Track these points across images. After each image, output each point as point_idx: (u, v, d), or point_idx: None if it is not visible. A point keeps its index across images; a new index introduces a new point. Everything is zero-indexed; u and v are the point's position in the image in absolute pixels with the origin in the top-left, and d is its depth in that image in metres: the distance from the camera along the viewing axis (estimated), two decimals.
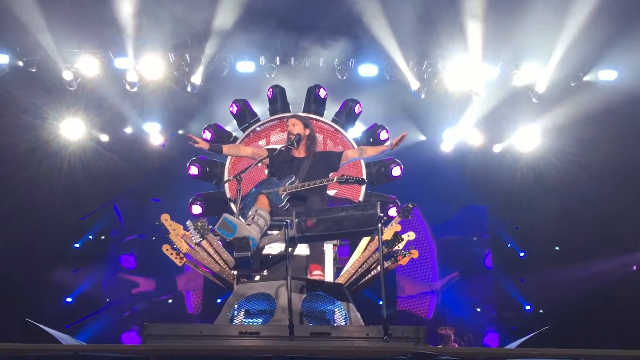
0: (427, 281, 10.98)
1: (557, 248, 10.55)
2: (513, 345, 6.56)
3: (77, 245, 10.57)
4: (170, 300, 10.53)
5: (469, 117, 10.07)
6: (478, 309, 10.67)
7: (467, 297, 10.77)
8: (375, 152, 5.96)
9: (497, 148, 10.57)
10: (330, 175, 5.79)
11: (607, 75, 9.42)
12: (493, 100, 9.80)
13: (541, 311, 10.42)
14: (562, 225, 9.96)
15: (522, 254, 11.03)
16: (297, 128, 5.95)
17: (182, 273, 10.39)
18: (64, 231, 10.02)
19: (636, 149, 9.12)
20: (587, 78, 9.55)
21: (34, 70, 9.25)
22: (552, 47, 8.98)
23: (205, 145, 5.97)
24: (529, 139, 10.15)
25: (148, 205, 10.84)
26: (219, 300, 9.23)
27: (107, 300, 10.46)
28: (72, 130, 9.85)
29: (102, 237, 10.75)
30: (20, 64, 9.21)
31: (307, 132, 6.02)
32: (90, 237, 10.70)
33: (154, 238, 10.19)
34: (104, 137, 10.27)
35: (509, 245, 11.10)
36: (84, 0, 8.26)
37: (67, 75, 9.26)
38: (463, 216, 11.33)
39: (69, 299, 10.15)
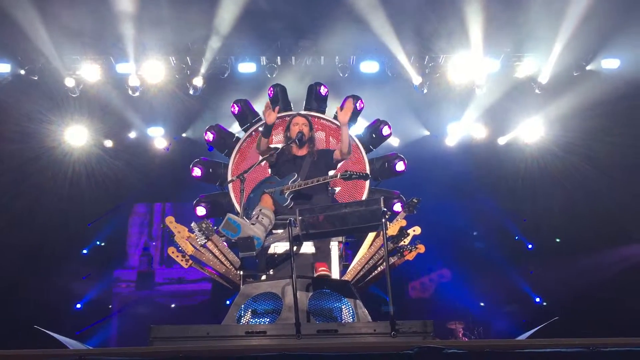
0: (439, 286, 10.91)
1: (557, 240, 10.50)
2: (523, 336, 6.53)
3: (85, 251, 10.60)
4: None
5: (473, 110, 10.05)
6: (482, 304, 10.59)
7: (475, 291, 10.71)
8: (343, 140, 5.67)
9: (501, 140, 10.54)
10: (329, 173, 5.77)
11: (610, 63, 9.38)
12: (496, 92, 9.77)
13: (544, 303, 10.38)
14: (568, 216, 9.90)
15: (530, 246, 10.98)
16: (306, 128, 5.94)
17: None
18: (71, 237, 10.04)
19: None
20: (590, 67, 9.49)
21: (36, 78, 9.29)
22: (554, 37, 8.93)
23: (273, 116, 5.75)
24: (533, 131, 10.12)
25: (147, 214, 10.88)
26: (227, 302, 9.23)
27: (110, 307, 10.46)
28: (76, 136, 9.90)
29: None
30: (22, 72, 9.27)
31: (311, 133, 6.03)
32: (98, 242, 10.74)
33: None
34: (108, 143, 10.32)
35: (516, 237, 11.05)
36: (84, 7, 8.28)
37: (69, 82, 9.32)
38: (473, 215, 11.25)
39: (78, 305, 10.18)
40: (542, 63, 9.40)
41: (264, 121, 5.83)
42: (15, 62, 9.21)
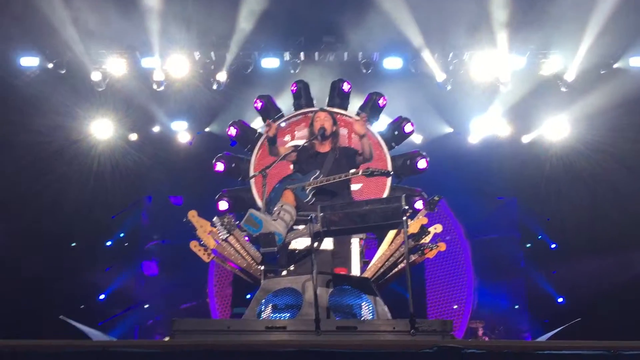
0: (461, 285, 10.79)
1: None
2: (544, 337, 6.48)
3: (109, 243, 10.73)
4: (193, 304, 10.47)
5: (497, 107, 9.95)
6: (517, 306, 10.47)
7: (503, 300, 10.61)
8: (364, 150, 5.70)
9: (525, 139, 10.42)
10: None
11: (638, 61, 9.21)
12: (521, 90, 9.66)
13: (560, 300, 10.28)
14: (593, 216, 9.76)
15: (553, 246, 10.85)
16: (328, 123, 5.92)
17: (207, 279, 10.42)
18: (95, 229, 10.18)
19: None
20: (617, 65, 9.34)
21: (63, 72, 9.44)
22: (581, 34, 8.80)
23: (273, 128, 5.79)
24: (558, 129, 9.98)
25: (170, 208, 10.90)
26: (248, 296, 9.29)
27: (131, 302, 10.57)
28: (101, 130, 10.03)
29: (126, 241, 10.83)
30: (50, 65, 9.42)
31: (334, 128, 6.01)
32: (122, 235, 10.87)
33: None
34: (133, 136, 10.42)
35: (539, 237, 10.93)
36: (111, 2, 8.39)
37: (95, 76, 9.44)
38: (495, 213, 11.14)
39: (101, 297, 10.33)
40: (568, 60, 9.27)
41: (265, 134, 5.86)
42: (43, 56, 9.36)
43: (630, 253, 9.40)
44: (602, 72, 9.40)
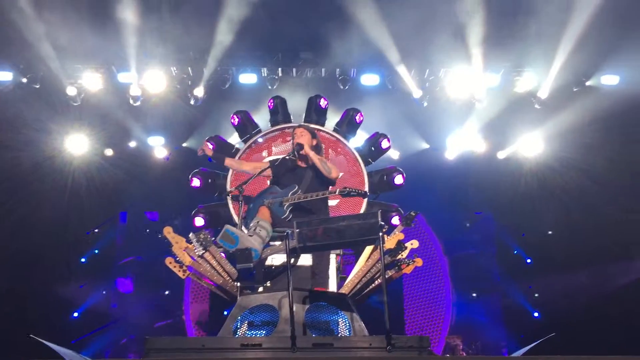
0: (439, 300, 10.81)
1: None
2: (519, 352, 6.50)
3: (83, 259, 10.58)
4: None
5: (472, 124, 10.06)
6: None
7: (480, 314, 10.64)
8: (317, 167, 5.76)
9: (501, 155, 10.54)
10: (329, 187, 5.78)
11: (609, 80, 9.40)
12: (496, 107, 9.78)
13: (536, 314, 10.37)
14: (567, 231, 9.89)
15: (528, 261, 10.96)
16: (305, 138, 5.93)
17: (183, 297, 10.30)
18: (69, 246, 10.03)
19: (639, 154, 9.08)
20: (589, 83, 9.51)
21: (38, 87, 9.31)
22: (554, 52, 8.98)
23: (209, 152, 6.12)
24: (532, 146, 10.13)
25: (146, 224, 10.78)
26: (225, 312, 9.19)
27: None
28: (76, 145, 9.91)
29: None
30: (24, 80, 9.28)
31: (314, 142, 6.01)
32: (96, 251, 10.72)
33: None
34: (109, 152, 10.30)
35: (515, 252, 11.04)
36: (87, 17, 8.33)
37: (70, 91, 9.34)
38: (473, 229, 11.22)
39: (75, 314, 10.14)
40: (541, 78, 9.43)
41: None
42: (17, 71, 9.23)
43: (603, 268, 9.54)
44: (574, 90, 9.56)
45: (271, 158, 6.68)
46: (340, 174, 7.11)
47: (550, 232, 10.75)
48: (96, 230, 10.61)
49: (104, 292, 10.53)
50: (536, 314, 10.54)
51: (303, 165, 5.94)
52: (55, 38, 8.57)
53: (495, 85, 9.61)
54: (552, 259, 10.09)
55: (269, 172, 6.02)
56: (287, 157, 5.93)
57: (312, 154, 5.75)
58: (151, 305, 10.13)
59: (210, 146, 6.97)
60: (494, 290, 10.83)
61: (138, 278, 10.63)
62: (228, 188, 7.00)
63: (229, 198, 6.91)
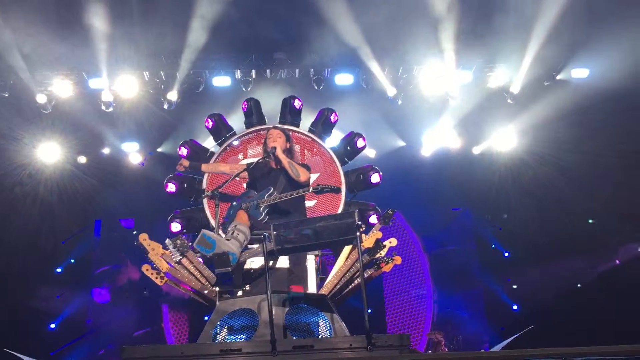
0: (420, 298, 10.84)
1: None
2: (499, 346, 6.56)
3: (58, 270, 10.41)
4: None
5: (447, 120, 10.14)
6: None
7: (461, 309, 10.70)
8: (288, 166, 5.72)
9: (476, 150, 10.63)
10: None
11: (579, 73, 9.54)
12: (469, 103, 9.88)
13: (515, 307, 10.49)
14: (540, 225, 10.02)
15: (506, 254, 11.07)
16: (279, 141, 5.89)
17: (162, 304, 10.19)
18: (43, 256, 9.86)
19: (610, 147, 9.21)
20: (560, 77, 9.64)
21: (7, 95, 9.14)
22: (525, 47, 9.09)
23: (185, 164, 6.02)
24: (506, 140, 10.23)
25: (122, 231, 10.65)
26: (206, 318, 9.09)
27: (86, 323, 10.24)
28: (48, 153, 9.76)
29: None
30: None
31: (287, 145, 5.98)
32: (72, 261, 10.57)
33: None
34: (82, 159, 10.17)
35: (493, 246, 11.14)
36: (55, 23, 8.19)
37: (40, 99, 9.20)
38: (451, 225, 11.29)
39: (52, 325, 9.98)
40: (513, 73, 9.54)
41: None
42: None
43: (574, 261, 9.68)
44: (545, 84, 9.68)
45: (247, 161, 6.63)
46: (315, 176, 7.11)
47: (500, 229, 10.89)
48: (71, 239, 10.44)
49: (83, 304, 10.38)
50: (515, 307, 10.64)
51: (278, 167, 5.91)
52: (23, 45, 8.42)
53: (468, 81, 9.68)
54: (528, 252, 10.20)
55: (245, 174, 5.98)
56: (260, 161, 5.88)
57: (282, 157, 5.72)
58: (129, 314, 9.98)
59: (186, 160, 6.92)
60: (474, 285, 10.92)
61: (114, 287, 10.49)
62: (205, 192, 6.94)
63: (205, 201, 6.85)
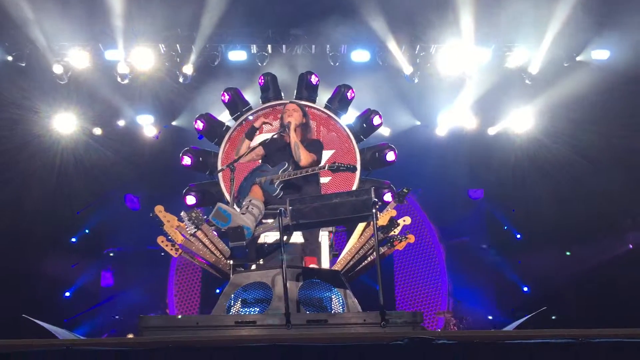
0: (436, 290, 10.84)
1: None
2: (511, 326, 6.58)
3: (73, 239, 10.53)
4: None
5: (463, 100, 10.04)
6: (490, 317, 10.52)
7: (478, 304, 10.67)
8: (293, 146, 5.62)
9: (491, 131, 10.55)
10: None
11: (600, 54, 9.38)
12: (486, 83, 9.75)
13: (525, 289, 10.48)
14: (556, 207, 9.95)
15: (518, 236, 11.04)
16: (295, 116, 5.84)
17: (167, 287, 10.25)
18: (59, 226, 9.96)
19: (629, 129, 9.10)
20: (580, 58, 9.49)
21: (24, 65, 9.17)
22: (545, 28, 8.95)
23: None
24: (522, 122, 10.14)
25: (126, 214, 10.70)
26: (217, 291, 9.19)
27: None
28: (64, 124, 9.80)
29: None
30: (10, 58, 9.14)
31: (304, 120, 5.95)
32: (87, 231, 10.68)
33: None
34: (97, 131, 10.21)
35: (505, 227, 11.11)
36: None
37: (57, 69, 9.20)
38: (467, 215, 11.20)
39: (67, 294, 10.13)
40: (532, 53, 9.41)
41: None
42: (2, 49, 9.08)
43: (591, 243, 9.63)
44: (565, 65, 9.54)
45: (263, 136, 6.62)
46: (331, 152, 7.10)
47: (513, 210, 10.85)
48: (85, 210, 10.52)
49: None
50: (525, 289, 10.64)
51: None
52: (40, 15, 8.41)
53: (486, 61, 9.56)
54: (542, 234, 10.16)
55: (260, 151, 5.96)
56: (276, 135, 5.86)
57: (292, 135, 5.65)
58: (134, 296, 10.02)
59: (201, 125, 6.92)
60: (485, 267, 10.91)
61: (119, 271, 10.55)
62: (219, 166, 6.97)
63: (220, 176, 6.88)
